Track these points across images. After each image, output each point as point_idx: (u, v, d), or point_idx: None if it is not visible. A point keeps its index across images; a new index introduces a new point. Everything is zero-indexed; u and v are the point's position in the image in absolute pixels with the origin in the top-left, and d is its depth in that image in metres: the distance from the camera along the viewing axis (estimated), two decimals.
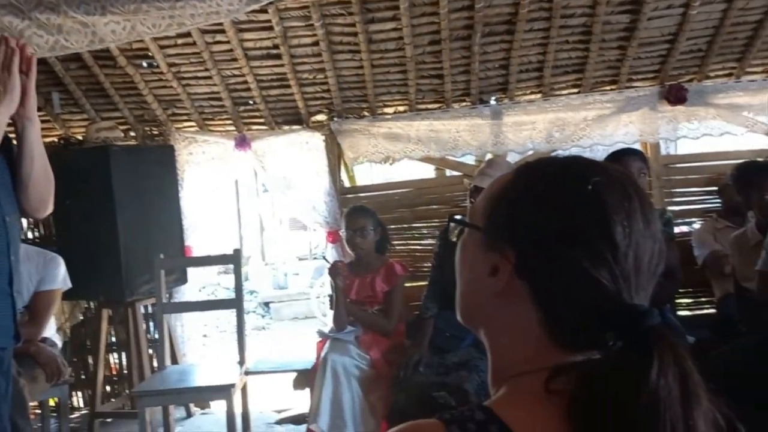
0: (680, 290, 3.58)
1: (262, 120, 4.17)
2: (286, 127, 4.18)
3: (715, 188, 3.82)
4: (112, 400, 4.23)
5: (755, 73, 3.94)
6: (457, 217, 0.86)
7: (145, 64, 3.91)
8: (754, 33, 3.70)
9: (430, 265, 3.49)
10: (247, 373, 3.40)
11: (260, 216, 10.72)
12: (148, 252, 3.55)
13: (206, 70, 3.84)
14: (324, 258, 3.70)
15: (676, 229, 3.73)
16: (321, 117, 4.13)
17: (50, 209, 1.86)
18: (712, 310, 3.57)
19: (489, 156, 3.97)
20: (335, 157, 4.12)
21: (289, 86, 3.93)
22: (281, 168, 4.13)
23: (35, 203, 1.81)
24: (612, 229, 0.71)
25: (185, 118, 4.22)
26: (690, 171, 4.04)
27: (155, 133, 4.25)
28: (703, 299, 3.80)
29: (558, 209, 0.73)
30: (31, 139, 1.73)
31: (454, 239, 0.86)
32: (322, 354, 3.10)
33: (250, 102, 4.08)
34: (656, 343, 0.67)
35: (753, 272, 2.70)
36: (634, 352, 0.67)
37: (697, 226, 3.83)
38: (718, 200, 3.78)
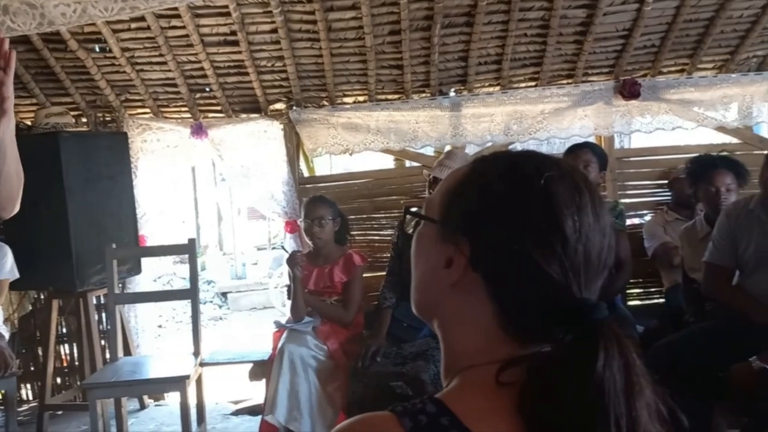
0: (631, 281, 3.68)
1: (219, 108, 4.10)
2: (244, 116, 4.12)
3: (665, 182, 3.93)
4: (63, 392, 4.14)
5: (706, 70, 4.06)
6: (413, 209, 0.87)
7: (97, 49, 3.79)
8: (705, 30, 3.80)
9: (388, 255, 3.50)
10: (202, 364, 3.36)
11: (218, 205, 10.57)
12: (99, 241, 3.47)
13: (161, 55, 3.76)
14: (282, 248, 3.67)
15: (628, 221, 3.82)
16: (280, 106, 4.09)
17: (17, 208, 1.78)
18: (661, 300, 3.66)
19: (448, 148, 4.00)
20: (294, 146, 4.09)
21: (247, 74, 3.87)
22: (239, 157, 4.07)
23: (4, 201, 1.72)
24: (562, 223, 0.72)
25: (139, 104, 4.12)
26: (642, 164, 4.14)
27: (108, 119, 4.14)
28: (653, 289, 3.91)
29: (511, 203, 0.73)
30: (6, 135, 1.65)
31: (410, 231, 0.86)
32: (279, 345, 3.08)
33: (207, 89, 4.01)
34: (602, 335, 0.68)
35: (700, 263, 2.79)
36: (581, 345, 0.68)
37: (648, 218, 3.93)
38: (669, 193, 3.88)
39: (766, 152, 2.62)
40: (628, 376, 0.68)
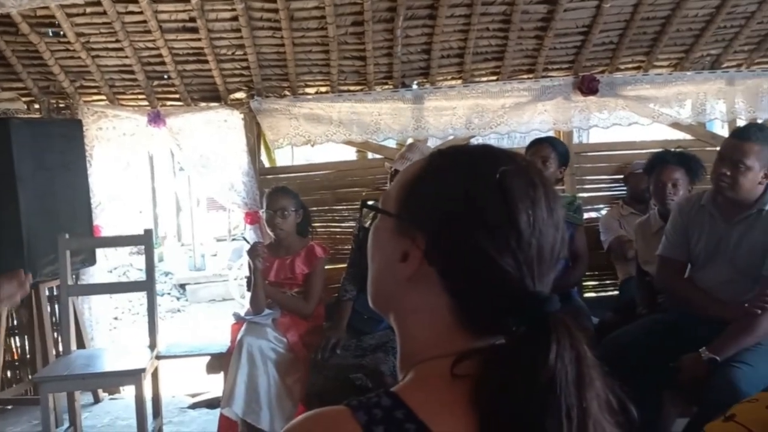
0: (587, 273, 3.75)
1: (177, 96, 4.02)
2: (203, 104, 4.05)
3: (621, 176, 4.01)
4: (14, 386, 4.02)
5: (662, 67, 4.15)
6: (370, 202, 0.87)
7: (50, 33, 3.68)
8: (661, 29, 3.88)
9: (349, 247, 3.50)
10: (158, 357, 3.31)
11: (176, 195, 10.40)
12: (52, 231, 3.37)
13: (117, 41, 3.66)
14: (244, 239, 3.62)
15: (586, 215, 3.89)
16: (240, 95, 4.03)
17: None
18: (616, 292, 3.74)
19: (410, 140, 4.00)
20: (254, 136, 4.04)
21: (206, 62, 3.80)
22: (198, 146, 4.00)
23: None
24: (517, 217, 0.73)
25: (94, 91, 4.01)
26: (599, 159, 4.22)
27: (61, 105, 4.02)
28: (608, 282, 4.00)
29: (466, 197, 0.74)
30: None
31: (367, 224, 0.86)
32: (238, 337, 3.04)
33: (165, 77, 3.92)
34: (555, 328, 0.69)
35: (653, 257, 2.85)
36: (534, 337, 0.69)
37: (604, 212, 4.01)
38: (625, 188, 3.97)
39: (718, 149, 2.68)
40: (580, 368, 0.69)
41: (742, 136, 2.50)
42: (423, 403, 0.70)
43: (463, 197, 0.74)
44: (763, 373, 2.27)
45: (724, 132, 4.26)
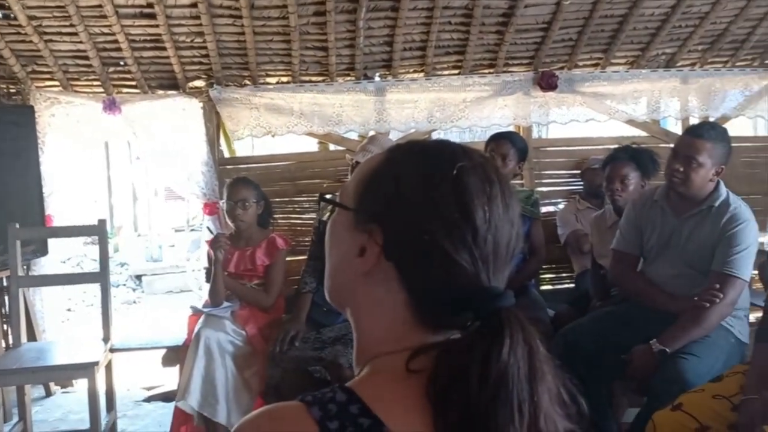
0: (544, 266, 3.81)
1: (134, 83, 3.92)
2: (161, 92, 3.96)
3: (578, 171, 4.09)
4: None
5: (618, 65, 4.23)
6: (328, 196, 0.88)
7: (0, 15, 3.54)
8: (618, 27, 3.95)
9: (310, 239, 3.47)
10: (112, 350, 3.24)
11: (133, 185, 10.18)
12: (2, 221, 3.27)
13: (72, 26, 3.54)
14: (208, 229, 3.56)
15: (544, 209, 3.95)
16: (199, 83, 3.96)
17: None
18: (572, 285, 3.82)
19: (372, 133, 3.99)
20: (214, 125, 3.98)
21: (164, 48, 3.71)
22: (155, 135, 3.91)
23: None
24: (473, 213, 0.73)
25: (47, 76, 3.89)
26: (558, 154, 4.29)
27: (12, 91, 3.88)
28: (564, 275, 4.07)
29: (423, 192, 0.74)
30: None
31: (325, 218, 0.86)
32: (195, 329, 3.00)
33: (121, 63, 3.82)
34: (508, 323, 0.70)
35: (608, 250, 2.91)
36: (488, 332, 0.70)
37: (561, 206, 4.07)
38: (581, 183, 4.04)
39: (672, 145, 2.75)
40: (532, 363, 0.70)
41: (696, 133, 2.57)
42: (378, 398, 0.70)
43: (420, 193, 0.74)
44: (709, 364, 2.34)
45: (677, 129, 4.37)
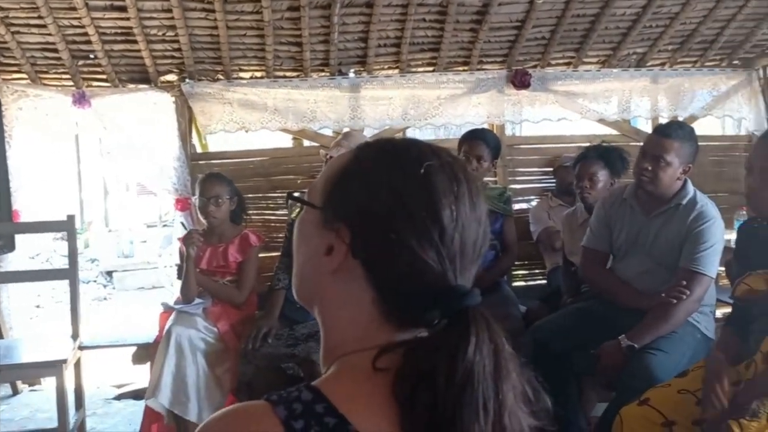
0: (516, 263, 3.84)
1: (104, 76, 3.86)
2: (132, 86, 3.90)
3: (551, 169, 4.13)
4: None
5: (590, 64, 4.28)
6: (296, 194, 0.86)
7: None
8: (591, 26, 3.99)
9: (284, 236, 3.46)
10: (81, 347, 3.19)
11: (104, 179, 10.03)
12: None
13: (40, 17, 3.47)
14: (182, 224, 3.52)
15: (517, 206, 3.98)
16: (171, 77, 3.91)
17: None
18: (544, 281, 3.86)
19: (346, 129, 3.98)
20: (186, 120, 3.93)
21: (135, 42, 3.66)
22: (126, 129, 3.86)
23: None
24: (440, 212, 0.74)
25: (15, 69, 3.80)
26: (531, 152, 4.33)
27: None
28: (537, 271, 4.11)
29: (391, 191, 0.75)
30: None
31: (293, 216, 0.86)
32: (166, 327, 2.97)
33: (91, 56, 3.75)
34: (475, 321, 0.71)
35: (578, 248, 2.95)
36: (454, 330, 0.71)
37: (534, 203, 4.11)
38: (554, 180, 4.08)
39: (641, 144, 2.79)
40: (497, 361, 0.71)
41: (664, 132, 2.61)
42: (344, 397, 0.70)
43: (388, 191, 0.75)
44: (676, 359, 2.38)
45: (648, 128, 4.43)
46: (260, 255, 3.40)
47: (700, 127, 4.20)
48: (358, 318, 0.76)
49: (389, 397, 0.70)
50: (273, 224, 4.01)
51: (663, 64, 4.36)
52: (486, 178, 3.59)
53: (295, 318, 3.11)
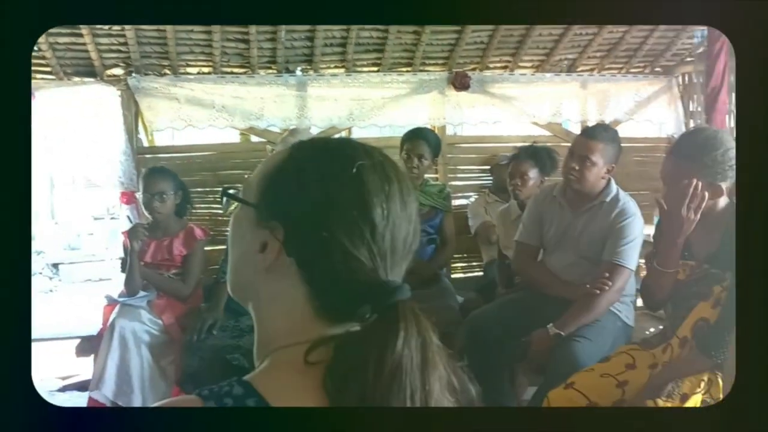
0: (456, 255, 3.99)
1: (48, 69, 3.82)
2: (77, 79, 3.88)
3: (489, 167, 4.30)
4: None
5: (526, 68, 4.44)
6: (231, 191, 0.88)
7: None
8: (526, 32, 4.13)
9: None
10: None
11: (50, 172, 9.75)
12: None
13: None
14: (128, 218, 3.51)
15: (456, 202, 4.12)
16: (117, 71, 3.90)
17: None
18: (481, 274, 4.02)
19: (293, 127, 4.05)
20: (132, 114, 3.92)
21: (81, 35, 3.64)
22: (70, 122, 3.83)
23: None
24: (372, 210, 0.76)
25: None
26: (470, 151, 4.47)
27: None
28: (475, 264, 4.26)
29: (323, 190, 0.77)
30: None
31: (228, 213, 0.92)
32: (110, 319, 2.99)
33: (36, 48, 3.71)
34: (404, 315, 0.73)
35: (512, 242, 3.11)
36: (384, 324, 0.73)
37: (473, 200, 4.28)
38: (491, 178, 4.26)
39: (570, 145, 2.96)
40: (425, 353, 0.73)
41: (589, 134, 2.78)
42: (275, 391, 0.73)
43: (320, 190, 0.77)
44: (599, 346, 2.55)
45: (578, 130, 4.62)
46: (207, 248, 3.41)
47: (628, 130, 4.45)
48: (290, 314, 0.78)
49: (320, 390, 0.72)
50: (220, 218, 4.03)
51: (592, 70, 4.52)
52: (427, 175, 3.72)
53: (241, 310, 3.11)
